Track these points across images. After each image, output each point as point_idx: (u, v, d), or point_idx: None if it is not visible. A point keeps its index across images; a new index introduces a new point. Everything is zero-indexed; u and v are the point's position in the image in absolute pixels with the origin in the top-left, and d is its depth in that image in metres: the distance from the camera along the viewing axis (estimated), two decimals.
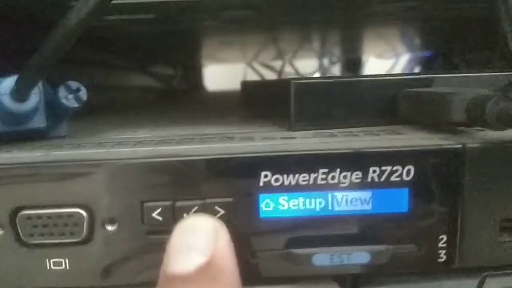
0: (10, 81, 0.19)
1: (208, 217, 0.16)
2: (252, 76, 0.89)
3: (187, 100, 0.63)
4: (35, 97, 0.19)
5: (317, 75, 0.91)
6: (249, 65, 0.89)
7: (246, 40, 0.62)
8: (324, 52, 0.85)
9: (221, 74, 0.93)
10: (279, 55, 0.82)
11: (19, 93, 0.18)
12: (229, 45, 0.63)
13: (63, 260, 0.17)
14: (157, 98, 0.69)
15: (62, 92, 0.20)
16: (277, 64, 0.88)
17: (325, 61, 0.90)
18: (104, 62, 0.49)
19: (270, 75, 0.89)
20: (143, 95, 0.66)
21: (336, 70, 0.91)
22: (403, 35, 0.66)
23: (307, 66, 0.90)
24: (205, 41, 0.59)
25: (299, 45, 0.73)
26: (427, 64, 0.75)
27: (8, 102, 0.19)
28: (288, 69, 0.88)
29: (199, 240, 0.15)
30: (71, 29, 0.15)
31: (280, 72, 0.87)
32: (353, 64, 0.88)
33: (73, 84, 0.20)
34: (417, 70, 0.79)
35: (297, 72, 0.88)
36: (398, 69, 0.83)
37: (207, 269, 0.14)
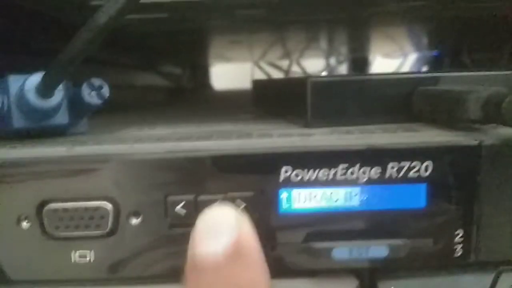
0: (36, 78, 0.19)
1: (230, 206, 0.16)
2: (259, 75, 0.89)
3: (197, 99, 0.63)
4: (58, 94, 0.20)
5: (324, 74, 0.91)
6: (257, 64, 0.89)
7: (253, 40, 0.63)
8: (331, 52, 0.85)
9: (228, 73, 0.93)
10: (286, 55, 0.83)
11: (45, 90, 0.19)
12: (237, 44, 0.63)
13: (88, 252, 0.17)
14: (166, 96, 0.70)
15: (85, 89, 0.20)
16: (284, 63, 0.89)
17: (332, 61, 0.90)
18: (114, 61, 0.49)
19: (277, 74, 0.89)
20: (153, 93, 0.67)
21: (343, 69, 0.91)
22: (410, 34, 0.67)
23: (314, 65, 0.90)
24: (213, 40, 0.59)
25: (306, 44, 0.73)
26: (435, 63, 0.75)
27: (33, 98, 0.19)
28: (295, 68, 0.88)
29: (223, 224, 0.15)
30: (99, 28, 0.16)
31: (287, 71, 0.87)
32: (360, 63, 0.88)
33: (96, 81, 0.20)
34: (424, 69, 0.79)
35: (304, 71, 0.88)
36: (405, 68, 0.83)
37: (234, 250, 0.15)
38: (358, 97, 0.22)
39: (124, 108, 0.39)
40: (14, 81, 0.20)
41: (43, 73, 0.19)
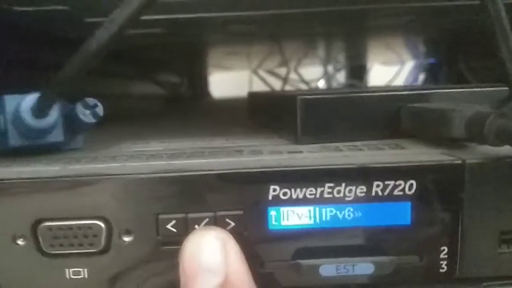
0: (31, 98, 0.20)
1: (215, 230, 0.17)
2: (258, 83, 0.90)
3: (195, 109, 0.64)
4: (54, 113, 0.20)
5: (322, 82, 0.92)
6: (255, 72, 0.90)
7: (251, 49, 0.63)
8: (329, 60, 0.86)
9: (227, 81, 0.94)
10: (284, 63, 0.83)
11: (40, 110, 0.19)
12: (234, 54, 0.64)
13: (82, 270, 0.18)
14: (165, 106, 0.70)
15: (80, 108, 0.21)
16: (282, 71, 0.89)
17: (330, 68, 0.91)
18: (112, 72, 0.50)
19: (276, 82, 0.89)
20: (151, 103, 0.68)
21: (341, 77, 0.92)
22: (407, 43, 0.67)
23: (312, 73, 0.91)
24: (211, 51, 0.60)
25: (304, 52, 0.74)
26: (432, 71, 0.76)
27: (28, 118, 0.20)
28: (293, 76, 0.89)
29: (210, 260, 0.15)
30: (92, 53, 0.16)
31: (285, 79, 0.88)
32: (358, 71, 0.89)
33: (91, 101, 0.21)
34: (421, 77, 0.79)
35: (302, 79, 0.88)
36: (402, 76, 0.84)
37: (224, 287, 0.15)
38: (347, 114, 0.22)
39: (122, 117, 0.39)
40: (10, 101, 0.20)
41: (38, 94, 0.19)
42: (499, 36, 0.16)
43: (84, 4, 0.25)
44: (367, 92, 0.23)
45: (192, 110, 0.61)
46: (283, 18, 0.31)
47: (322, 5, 0.29)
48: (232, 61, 0.79)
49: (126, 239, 0.18)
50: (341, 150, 0.21)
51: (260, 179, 0.18)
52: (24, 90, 0.20)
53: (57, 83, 0.18)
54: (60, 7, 0.25)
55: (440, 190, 0.18)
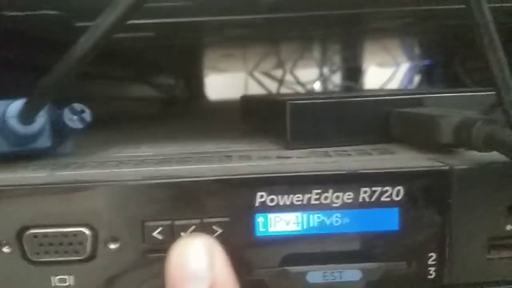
0: (17, 105, 0.19)
1: (201, 236, 0.17)
2: (253, 85, 0.90)
3: (189, 111, 0.64)
4: (41, 119, 0.20)
5: (317, 84, 0.92)
6: (250, 74, 0.90)
7: (247, 51, 0.63)
8: (325, 61, 0.86)
9: (222, 83, 0.94)
10: (280, 65, 0.83)
11: (27, 116, 0.19)
12: (230, 56, 0.64)
13: (67, 277, 0.18)
14: (160, 108, 0.70)
15: (67, 114, 0.21)
16: (278, 73, 0.89)
17: (326, 70, 0.91)
18: (106, 74, 0.50)
19: (271, 84, 0.89)
20: (147, 105, 0.67)
21: (336, 79, 0.92)
22: (403, 44, 0.67)
23: (308, 75, 0.91)
24: (206, 53, 0.60)
25: (300, 54, 0.74)
26: (427, 73, 0.76)
27: (15, 124, 0.19)
28: (289, 78, 0.89)
29: (197, 266, 0.15)
30: (77, 59, 0.16)
31: (281, 81, 0.88)
32: (353, 73, 0.89)
33: (78, 106, 0.21)
34: (417, 78, 0.80)
35: (297, 81, 0.88)
36: (398, 78, 0.84)
37: None
38: (336, 118, 0.22)
39: (117, 120, 0.39)
40: None
41: (25, 100, 0.19)
42: (485, 42, 0.16)
43: (75, 8, 0.25)
44: (356, 97, 0.23)
45: (186, 112, 0.61)
46: (278, 22, 0.31)
47: (318, 9, 0.29)
48: (227, 63, 0.79)
49: (112, 246, 0.18)
50: (330, 155, 0.20)
51: (247, 186, 0.17)
52: (13, 95, 0.20)
53: (43, 89, 0.18)
54: (50, 12, 0.25)
55: (427, 196, 0.17)
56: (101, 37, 0.16)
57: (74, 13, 0.26)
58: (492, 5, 0.17)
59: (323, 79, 0.91)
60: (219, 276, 0.16)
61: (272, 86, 0.89)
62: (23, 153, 0.21)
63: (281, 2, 0.26)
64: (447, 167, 0.17)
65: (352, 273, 0.17)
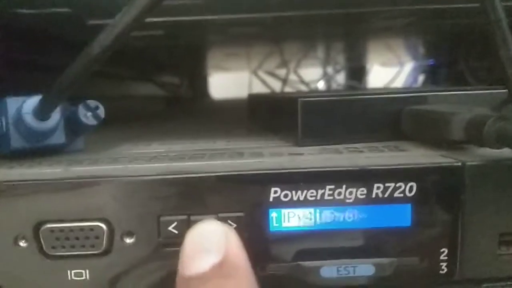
0: (33, 101, 0.20)
1: (217, 221, 0.17)
2: (257, 84, 0.90)
3: (195, 110, 0.64)
4: (56, 116, 0.20)
5: (321, 83, 0.92)
6: (254, 73, 0.90)
7: (251, 50, 0.63)
8: (329, 60, 0.86)
9: (226, 83, 0.94)
10: (284, 64, 0.83)
11: (42, 113, 0.19)
12: (234, 55, 0.64)
13: (83, 271, 0.18)
14: (165, 107, 0.70)
15: (81, 110, 0.21)
16: (282, 72, 0.89)
17: (330, 70, 0.91)
18: (113, 73, 0.50)
19: (275, 83, 0.90)
20: (152, 104, 0.68)
21: (340, 78, 0.92)
22: (407, 44, 0.67)
23: (312, 74, 0.91)
24: (211, 52, 0.60)
25: (304, 53, 0.74)
26: (432, 72, 0.76)
27: (30, 120, 0.20)
28: (292, 77, 0.89)
29: (211, 241, 0.16)
30: (94, 57, 0.16)
31: (284, 80, 0.88)
32: (357, 72, 0.89)
33: (92, 103, 0.21)
34: (421, 78, 0.80)
35: (301, 80, 0.89)
36: (402, 77, 0.84)
37: (222, 267, 0.15)
38: (347, 116, 0.23)
39: (124, 119, 0.39)
40: (12, 103, 0.20)
41: (40, 96, 0.19)
42: (498, 40, 0.16)
43: (87, 6, 0.25)
44: (367, 95, 0.23)
45: (193, 111, 0.61)
46: (283, 20, 0.32)
47: (322, 7, 0.29)
48: (232, 62, 0.79)
49: (128, 240, 0.18)
50: (341, 152, 0.21)
51: (261, 181, 0.18)
52: (26, 92, 0.20)
53: (60, 86, 0.18)
54: (62, 10, 0.25)
55: (440, 192, 0.18)
56: (119, 35, 0.16)
57: (86, 11, 0.26)
58: (505, 3, 0.17)
59: (327, 78, 0.91)
60: (231, 254, 0.16)
61: (276, 85, 0.89)
62: (38, 149, 0.21)
63: (287, 0, 0.26)
64: (459, 163, 0.18)
65: (365, 268, 0.18)
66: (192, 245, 0.16)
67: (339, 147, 0.22)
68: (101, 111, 0.21)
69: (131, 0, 0.16)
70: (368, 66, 0.91)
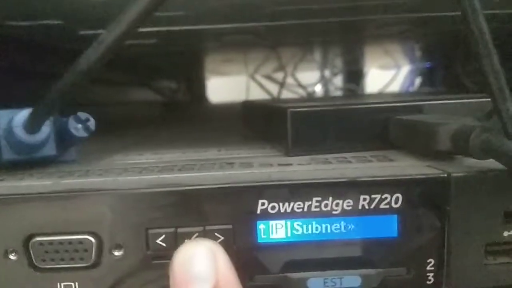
0: (23, 114, 0.20)
1: (205, 241, 0.17)
2: (255, 88, 0.90)
3: (191, 115, 0.64)
4: (46, 128, 0.20)
5: (319, 86, 0.92)
6: (252, 77, 0.90)
7: (248, 55, 0.64)
8: (326, 64, 0.86)
9: (224, 87, 0.94)
10: (281, 67, 0.84)
11: (32, 126, 0.20)
12: (231, 60, 0.64)
13: (73, 284, 0.18)
14: (162, 112, 0.70)
15: (72, 122, 0.21)
16: (279, 76, 0.89)
17: (327, 73, 0.91)
18: (109, 79, 0.50)
19: (273, 87, 0.90)
20: (148, 109, 0.68)
21: (338, 81, 0.92)
22: (403, 48, 0.68)
23: (309, 77, 0.91)
24: (208, 57, 0.60)
25: (301, 57, 0.74)
26: (428, 75, 0.76)
27: (20, 133, 0.20)
28: (290, 81, 0.89)
29: (200, 268, 0.16)
30: (83, 72, 0.16)
31: (282, 84, 0.88)
32: (354, 75, 0.89)
33: (82, 115, 0.21)
34: (418, 81, 0.80)
35: (299, 84, 0.89)
36: (399, 80, 0.84)
37: None
38: (336, 126, 0.23)
39: (119, 124, 0.40)
40: (2, 116, 0.20)
41: (31, 110, 0.20)
42: (481, 51, 0.17)
43: (78, 18, 0.25)
44: (356, 104, 0.24)
45: (188, 117, 0.61)
46: (278, 29, 0.32)
47: (317, 17, 0.29)
48: (229, 67, 0.79)
49: (117, 253, 0.18)
50: (330, 162, 0.21)
51: (249, 194, 0.18)
52: (17, 103, 0.20)
53: (49, 100, 0.18)
54: (54, 21, 0.26)
55: (426, 203, 0.18)
56: (108, 49, 0.17)
57: (78, 22, 0.26)
58: (489, 11, 0.17)
59: (324, 82, 0.91)
60: (222, 278, 0.16)
61: (274, 89, 0.89)
62: (28, 161, 0.21)
63: (281, 10, 0.26)
64: (445, 175, 0.18)
65: (352, 279, 0.18)
66: (181, 274, 0.16)
67: (328, 156, 0.22)
68: (92, 124, 0.21)
69: (120, 14, 0.17)
70: (365, 69, 0.91)
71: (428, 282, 0.18)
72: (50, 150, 0.22)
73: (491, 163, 0.18)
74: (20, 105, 0.20)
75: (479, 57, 0.17)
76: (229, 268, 0.16)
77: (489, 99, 0.17)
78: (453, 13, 0.26)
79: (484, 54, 0.17)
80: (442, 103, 0.23)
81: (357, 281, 0.18)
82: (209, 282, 0.15)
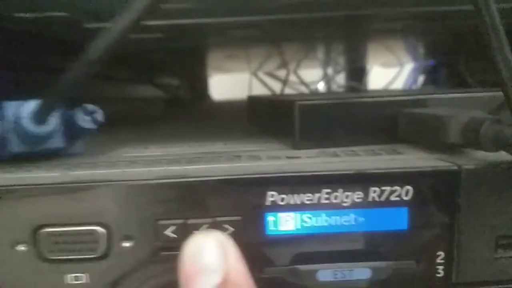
0: (31, 105, 0.20)
1: (214, 233, 0.17)
2: (257, 85, 0.90)
3: (194, 112, 0.64)
4: (54, 120, 0.20)
5: (321, 84, 0.92)
6: (254, 74, 0.90)
7: (251, 52, 0.64)
8: (329, 62, 0.86)
9: (226, 84, 0.94)
10: (284, 65, 0.84)
11: (40, 117, 0.19)
12: (234, 57, 0.64)
13: (82, 275, 0.18)
14: (165, 108, 0.70)
15: (79, 114, 0.21)
16: (282, 73, 0.89)
17: (330, 70, 0.91)
18: (112, 75, 0.50)
19: (275, 84, 0.90)
20: (151, 105, 0.68)
21: (340, 79, 0.92)
22: (406, 45, 0.67)
23: (312, 75, 0.91)
24: (210, 54, 0.60)
25: (304, 54, 0.74)
26: (431, 73, 0.76)
27: (28, 125, 0.20)
28: (293, 78, 0.89)
29: (210, 260, 0.16)
30: (92, 61, 0.16)
31: (285, 81, 0.88)
32: (357, 73, 0.89)
33: (90, 107, 0.21)
34: (421, 79, 0.80)
35: (301, 81, 0.89)
36: (402, 78, 0.84)
37: (224, 286, 0.15)
38: (344, 119, 0.23)
39: (123, 121, 0.40)
40: (10, 108, 0.20)
41: (38, 101, 0.19)
42: (494, 43, 0.16)
43: (83, 10, 0.25)
44: (364, 97, 0.23)
45: (192, 113, 0.61)
46: (283, 23, 0.32)
47: (321, 10, 0.29)
48: (231, 64, 0.79)
49: (126, 244, 0.18)
50: (338, 155, 0.21)
51: (258, 185, 0.18)
52: (24, 95, 0.20)
53: (58, 91, 0.18)
54: (60, 14, 0.26)
55: (436, 196, 0.18)
56: (115, 40, 0.17)
57: (84, 15, 0.26)
58: (501, 4, 0.17)
59: (327, 79, 0.91)
60: (232, 270, 0.16)
61: (276, 86, 0.89)
62: (37, 153, 0.21)
63: (286, 3, 0.26)
64: (455, 167, 0.18)
65: (361, 271, 0.18)
66: (190, 265, 0.16)
67: (337, 150, 0.22)
68: (99, 115, 0.21)
69: (128, 5, 0.16)
70: (368, 66, 0.91)
71: (437, 275, 0.18)
72: (58, 142, 0.21)
73: (502, 156, 0.17)
74: (26, 97, 0.20)
75: (491, 49, 0.17)
76: (238, 259, 0.16)
77: (498, 93, 0.17)
78: (463, 7, 0.26)
79: (497, 46, 0.16)
80: (450, 97, 0.23)
81: (367, 273, 0.18)
82: (218, 273, 0.15)
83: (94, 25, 0.28)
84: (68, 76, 0.18)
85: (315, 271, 0.18)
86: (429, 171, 0.18)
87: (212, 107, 0.78)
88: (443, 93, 0.24)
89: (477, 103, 0.23)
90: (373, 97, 0.24)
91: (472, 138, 0.18)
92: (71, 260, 0.18)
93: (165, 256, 0.18)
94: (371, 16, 0.33)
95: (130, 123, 0.43)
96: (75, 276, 0.18)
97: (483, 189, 0.18)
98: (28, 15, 0.26)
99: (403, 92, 0.31)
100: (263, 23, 0.31)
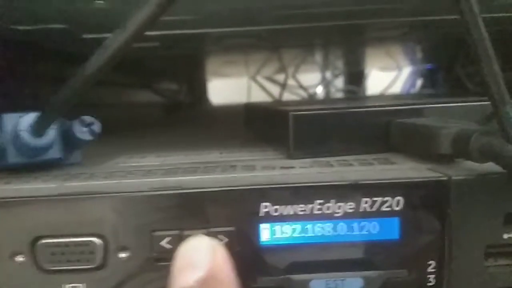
0: (29, 118, 0.20)
1: (206, 237, 0.18)
2: (256, 89, 0.90)
3: (193, 117, 0.64)
4: (52, 132, 0.21)
5: (320, 88, 0.92)
6: (253, 79, 0.91)
7: (249, 57, 0.64)
8: (327, 66, 0.86)
9: (225, 88, 0.95)
10: (283, 69, 0.84)
11: (38, 130, 0.20)
12: (233, 62, 0.64)
13: (79, 285, 0.18)
14: (164, 113, 0.71)
15: (77, 126, 0.21)
16: (281, 77, 0.90)
17: (328, 75, 0.91)
18: (111, 81, 0.51)
19: (274, 88, 0.90)
20: (150, 111, 0.68)
21: (339, 83, 0.92)
22: (404, 49, 0.68)
23: (310, 79, 0.91)
24: (209, 59, 0.61)
25: (302, 59, 0.74)
26: (429, 76, 0.76)
27: (27, 137, 0.20)
28: (291, 82, 0.89)
29: (197, 257, 0.16)
30: (89, 76, 0.17)
31: (283, 86, 0.88)
32: (356, 77, 0.89)
33: (87, 119, 0.22)
34: (419, 82, 0.80)
35: (300, 85, 0.89)
36: (400, 82, 0.84)
37: (206, 281, 0.16)
38: (338, 129, 0.23)
39: (121, 126, 0.40)
40: (9, 120, 0.21)
41: (36, 113, 0.20)
42: (481, 56, 0.17)
43: (82, 22, 0.26)
44: (357, 108, 0.24)
45: (190, 118, 0.61)
46: (279, 32, 0.32)
47: (319, 21, 0.29)
48: (230, 69, 0.79)
49: (122, 255, 0.18)
50: (331, 165, 0.21)
51: (252, 196, 0.18)
52: (23, 106, 0.21)
53: (56, 105, 0.18)
54: (59, 26, 0.26)
55: (427, 206, 0.18)
56: (113, 54, 0.17)
57: (81, 26, 0.27)
58: (487, 15, 0.17)
59: (326, 83, 0.91)
60: (217, 269, 0.16)
61: (275, 91, 0.90)
62: (35, 164, 0.22)
63: (283, 14, 0.26)
64: (445, 178, 0.18)
65: (354, 281, 0.18)
66: (181, 260, 0.17)
67: (330, 159, 0.22)
68: (97, 127, 0.22)
69: (124, 19, 0.17)
70: (366, 71, 0.91)
71: (429, 284, 0.18)
72: (55, 153, 0.22)
73: (491, 166, 0.18)
74: (25, 108, 0.21)
75: (478, 61, 0.17)
76: (225, 262, 0.17)
77: (490, 102, 0.17)
78: (452, 17, 0.27)
79: (484, 58, 0.17)
80: (443, 106, 0.24)
81: (359, 283, 0.18)
82: (202, 271, 0.16)
83: (91, 35, 0.28)
84: (67, 89, 0.18)
85: (308, 280, 0.18)
86: (419, 181, 0.18)
87: (211, 112, 0.79)
88: (436, 103, 0.24)
89: (470, 111, 0.23)
90: (366, 107, 0.24)
91: (462, 149, 0.18)
92: (68, 270, 0.18)
93: (160, 267, 0.18)
94: (368, 26, 0.33)
95: (129, 129, 0.43)
96: (73, 286, 0.18)
97: (473, 199, 0.18)
98: (27, 27, 0.26)
99: (397, 100, 0.32)
100: (260, 32, 0.32)
